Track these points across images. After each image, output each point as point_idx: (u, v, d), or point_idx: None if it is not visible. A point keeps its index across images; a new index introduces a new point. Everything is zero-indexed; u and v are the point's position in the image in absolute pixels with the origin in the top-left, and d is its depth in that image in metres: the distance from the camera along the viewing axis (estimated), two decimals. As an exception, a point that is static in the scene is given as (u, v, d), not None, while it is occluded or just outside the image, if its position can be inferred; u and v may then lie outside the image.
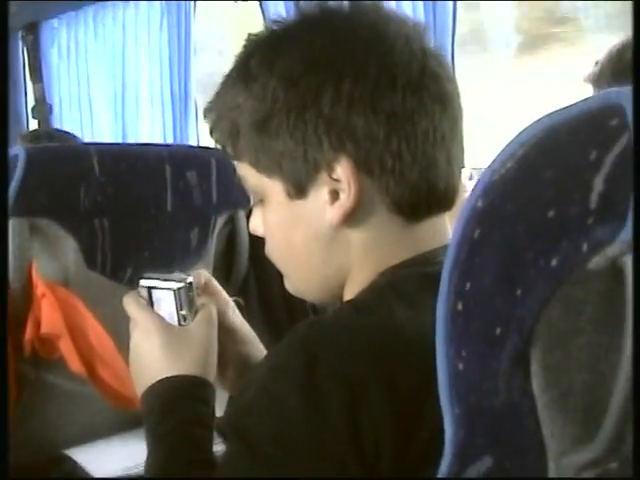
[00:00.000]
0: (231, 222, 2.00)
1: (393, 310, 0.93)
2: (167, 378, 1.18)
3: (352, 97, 0.96)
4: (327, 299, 1.15)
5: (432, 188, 1.01)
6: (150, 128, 3.63)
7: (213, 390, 1.21)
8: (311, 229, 1.03)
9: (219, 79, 1.07)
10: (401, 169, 0.99)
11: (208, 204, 1.93)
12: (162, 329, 1.21)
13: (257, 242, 1.80)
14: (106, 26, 3.93)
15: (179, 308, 1.22)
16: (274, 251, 1.11)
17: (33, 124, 4.38)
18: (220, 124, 1.06)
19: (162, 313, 1.23)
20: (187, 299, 1.22)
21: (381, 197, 1.00)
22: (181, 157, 1.93)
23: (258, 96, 1.00)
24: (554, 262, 0.55)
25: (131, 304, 1.25)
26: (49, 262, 1.74)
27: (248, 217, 2.00)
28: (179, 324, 1.23)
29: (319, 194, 1.01)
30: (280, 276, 1.15)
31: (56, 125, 4.25)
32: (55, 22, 4.24)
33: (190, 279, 1.24)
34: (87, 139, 3.89)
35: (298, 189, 1.01)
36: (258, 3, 3.19)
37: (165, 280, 1.25)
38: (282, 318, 2.06)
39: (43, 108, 4.34)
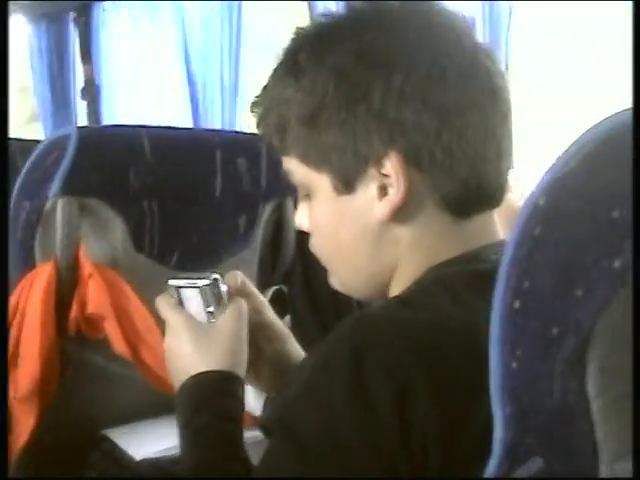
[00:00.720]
0: (279, 210, 2.00)
1: (441, 306, 0.92)
2: (196, 375, 1.19)
3: (402, 91, 0.96)
4: (373, 296, 1.13)
5: (481, 184, 1.00)
6: (203, 116, 3.64)
7: (242, 384, 1.21)
8: (359, 225, 1.02)
9: (266, 73, 1.07)
10: (451, 164, 0.98)
11: (257, 191, 1.93)
12: (190, 326, 1.22)
13: (304, 232, 1.80)
14: (160, 11, 3.94)
15: (206, 305, 1.22)
16: (319, 247, 1.10)
17: (82, 105, 4.40)
18: (267, 118, 1.05)
19: (191, 311, 1.24)
20: (213, 296, 1.22)
21: (430, 193, 0.99)
22: (231, 143, 1.93)
23: (307, 90, 0.99)
24: (617, 263, 0.54)
25: (161, 305, 1.26)
26: (97, 243, 1.75)
27: (296, 206, 2.02)
28: (208, 321, 1.23)
29: (367, 189, 1.00)
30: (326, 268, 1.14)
31: (103, 107, 4.28)
32: (107, 4, 4.23)
33: (216, 276, 1.24)
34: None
35: (346, 184, 1.01)
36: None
37: (193, 279, 1.25)
38: (327, 310, 2.06)
39: (92, 89, 4.33)
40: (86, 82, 4.36)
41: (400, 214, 0.99)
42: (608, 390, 0.56)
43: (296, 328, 2.15)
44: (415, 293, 0.97)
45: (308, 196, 1.08)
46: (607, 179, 0.57)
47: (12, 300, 1.69)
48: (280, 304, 2.04)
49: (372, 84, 0.96)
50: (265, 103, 1.06)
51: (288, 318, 2.04)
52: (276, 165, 1.92)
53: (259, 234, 1.97)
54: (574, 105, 2.58)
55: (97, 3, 4.23)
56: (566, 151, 0.60)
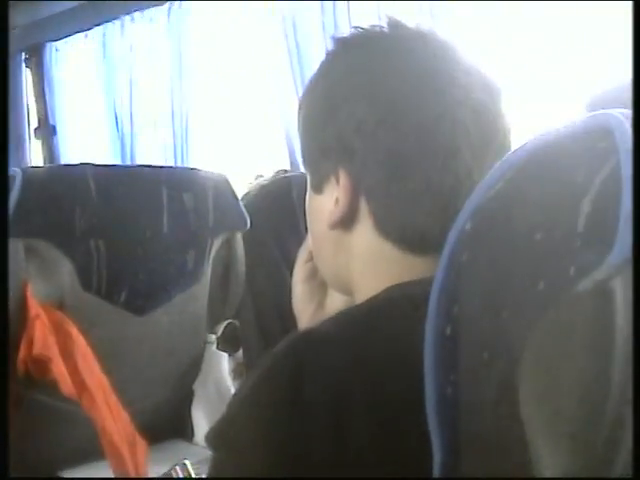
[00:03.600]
0: (228, 244, 2.00)
1: (386, 327, 0.92)
2: None
3: (362, 120, 0.99)
4: (342, 292, 1.16)
5: (424, 230, 1.00)
6: (151, 149, 3.66)
7: None
8: (322, 224, 1.06)
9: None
10: (392, 204, 1.00)
11: (204, 226, 1.93)
12: None
13: (254, 265, 1.80)
14: (111, 47, 3.93)
15: None
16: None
17: (36, 145, 4.39)
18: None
19: None
20: None
21: (373, 221, 1.01)
22: (178, 179, 1.94)
23: (309, 98, 1.08)
24: (541, 285, 0.54)
25: None
26: (44, 283, 1.74)
27: (244, 240, 2.02)
28: None
29: (329, 195, 1.04)
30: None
31: (58, 146, 4.27)
32: (59, 44, 4.23)
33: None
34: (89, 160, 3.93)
35: (316, 184, 1.07)
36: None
37: None
38: (279, 341, 2.06)
39: (46, 128, 4.34)
40: (39, 121, 4.38)
41: (349, 228, 1.03)
42: (540, 413, 0.55)
43: (248, 362, 2.15)
44: (363, 310, 0.98)
45: None
46: (529, 202, 0.57)
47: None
48: (232, 338, 2.03)
49: (339, 107, 1.01)
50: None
51: (240, 352, 2.04)
52: (224, 200, 1.96)
53: (208, 269, 1.96)
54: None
55: (49, 43, 4.24)
56: (491, 174, 0.60)
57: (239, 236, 1.98)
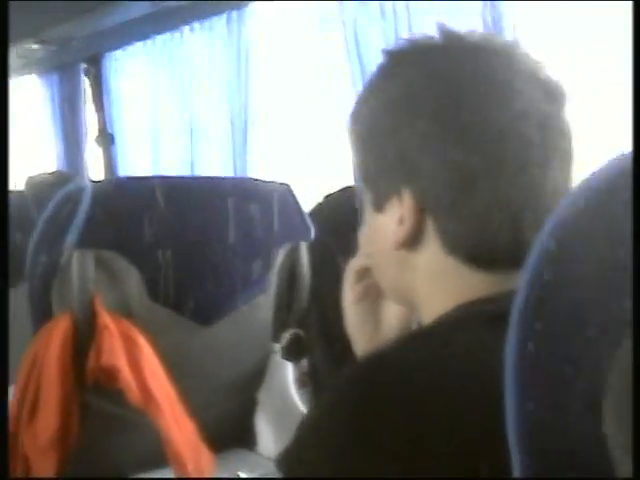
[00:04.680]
0: (293, 254, 2.01)
1: (459, 348, 0.91)
2: None
3: (426, 137, 0.98)
4: (406, 307, 1.14)
5: (495, 245, 0.99)
6: (213, 160, 3.67)
7: None
8: (385, 243, 1.04)
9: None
10: (459, 218, 0.98)
11: (270, 236, 1.95)
12: None
13: (318, 274, 1.80)
14: (170, 57, 3.96)
15: None
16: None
17: (97, 153, 4.46)
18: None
19: None
20: None
21: (441, 239, 0.99)
22: (243, 190, 1.95)
23: (368, 112, 1.05)
24: (627, 303, 0.55)
25: None
26: (113, 293, 1.76)
27: (310, 249, 2.03)
28: None
29: (392, 214, 1.01)
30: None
31: (119, 155, 4.33)
32: (119, 53, 4.28)
33: None
34: (150, 170, 3.98)
35: (378, 203, 1.04)
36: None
37: None
38: (344, 352, 2.06)
39: (105, 138, 4.39)
40: (99, 130, 4.43)
41: (414, 247, 1.01)
42: (622, 429, 0.56)
43: (313, 371, 2.16)
44: (437, 329, 0.97)
45: None
46: (613, 219, 0.57)
47: (30, 351, 1.70)
48: (297, 348, 2.04)
49: (400, 124, 0.99)
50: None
51: (305, 362, 2.04)
52: (289, 210, 1.98)
53: (273, 279, 1.98)
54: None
55: (108, 53, 4.30)
56: (573, 193, 0.60)
57: (304, 246, 1.99)
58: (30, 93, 4.91)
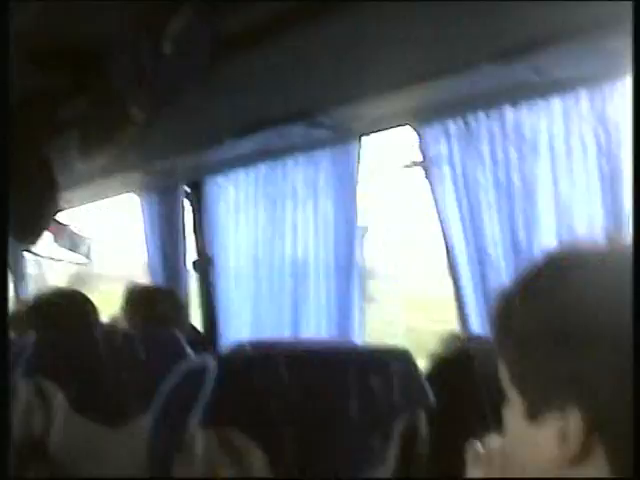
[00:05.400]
0: (412, 424, 1.98)
1: None
2: None
3: (595, 351, 0.94)
4: None
5: None
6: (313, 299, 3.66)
7: None
8: (538, 457, 0.99)
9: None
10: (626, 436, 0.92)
11: (389, 407, 1.93)
12: None
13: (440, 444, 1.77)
14: (274, 187, 3.92)
15: None
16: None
17: (193, 278, 4.50)
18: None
19: None
20: None
21: (605, 457, 0.94)
22: (364, 359, 1.96)
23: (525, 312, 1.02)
24: None
25: None
26: (235, 470, 1.75)
27: (428, 419, 2.00)
28: None
29: (553, 427, 0.96)
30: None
31: (216, 278, 4.34)
32: (221, 179, 4.28)
33: None
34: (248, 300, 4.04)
35: (531, 412, 0.99)
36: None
37: None
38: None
39: (204, 262, 4.41)
40: (199, 254, 4.46)
41: (575, 464, 0.95)
42: None
43: None
44: None
45: None
46: None
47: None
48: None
49: (568, 338, 0.96)
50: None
51: None
52: (407, 378, 1.96)
53: (393, 450, 1.95)
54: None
55: (210, 177, 4.33)
56: None
57: (422, 415, 1.97)
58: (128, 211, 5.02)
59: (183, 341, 2.71)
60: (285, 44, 2.58)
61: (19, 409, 2.36)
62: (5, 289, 1.53)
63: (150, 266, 4.70)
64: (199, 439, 1.67)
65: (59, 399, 2.45)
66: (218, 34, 2.56)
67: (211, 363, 1.70)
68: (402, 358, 1.97)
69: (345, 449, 1.88)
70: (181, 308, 3.78)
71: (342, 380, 1.86)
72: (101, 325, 3.41)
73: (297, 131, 3.14)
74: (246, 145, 3.46)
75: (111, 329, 3.45)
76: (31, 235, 4.13)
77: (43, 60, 3.11)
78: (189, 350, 2.68)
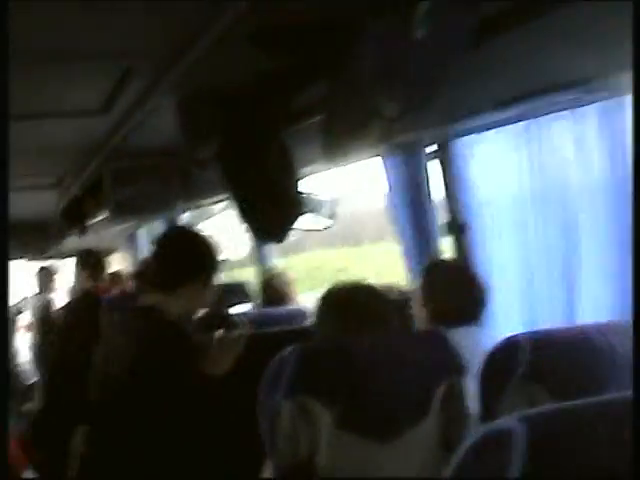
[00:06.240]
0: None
1: None
2: None
3: None
4: None
5: None
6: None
7: None
8: None
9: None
10: None
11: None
12: None
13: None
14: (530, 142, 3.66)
15: None
16: None
17: (445, 241, 4.37)
18: None
19: None
20: None
21: None
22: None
23: None
24: None
25: None
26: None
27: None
28: None
29: None
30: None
31: (468, 245, 4.18)
32: (470, 138, 4.05)
33: None
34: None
35: None
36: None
37: None
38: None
39: (455, 227, 4.25)
40: (450, 217, 4.29)
41: None
42: None
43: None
44: None
45: None
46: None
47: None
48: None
49: None
50: None
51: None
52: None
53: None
54: None
55: (458, 139, 4.11)
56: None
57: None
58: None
59: (449, 340, 2.55)
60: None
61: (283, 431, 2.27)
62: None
63: (400, 231, 4.52)
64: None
65: (325, 417, 2.29)
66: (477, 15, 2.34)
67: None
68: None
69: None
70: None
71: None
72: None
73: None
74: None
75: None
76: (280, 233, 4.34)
77: (277, 42, 3.00)
78: (456, 350, 2.51)
